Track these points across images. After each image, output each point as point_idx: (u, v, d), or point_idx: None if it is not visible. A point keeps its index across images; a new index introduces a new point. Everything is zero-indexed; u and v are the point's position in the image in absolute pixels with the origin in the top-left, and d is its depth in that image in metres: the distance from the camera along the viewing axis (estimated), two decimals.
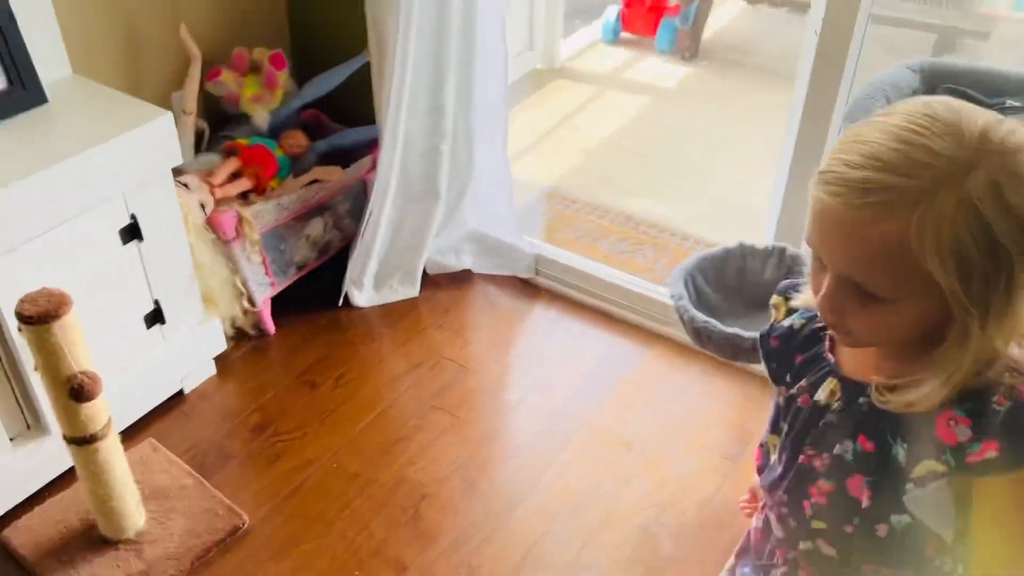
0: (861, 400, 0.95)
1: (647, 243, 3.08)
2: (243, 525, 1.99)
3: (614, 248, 3.02)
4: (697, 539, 1.97)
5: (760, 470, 1.11)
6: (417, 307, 2.68)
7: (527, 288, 2.76)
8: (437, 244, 2.72)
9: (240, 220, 2.36)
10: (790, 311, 1.08)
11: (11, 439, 1.98)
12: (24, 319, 1.59)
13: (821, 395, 0.99)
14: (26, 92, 1.96)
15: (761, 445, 1.12)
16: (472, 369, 2.46)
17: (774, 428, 1.09)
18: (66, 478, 2.10)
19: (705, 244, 3.01)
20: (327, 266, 2.70)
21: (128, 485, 1.88)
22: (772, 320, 1.11)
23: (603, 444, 2.22)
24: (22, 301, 1.61)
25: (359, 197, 2.72)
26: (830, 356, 1.00)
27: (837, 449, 0.96)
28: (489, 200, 2.69)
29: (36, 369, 1.67)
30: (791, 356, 1.06)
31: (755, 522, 1.17)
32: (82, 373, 1.65)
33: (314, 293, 2.68)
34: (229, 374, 2.43)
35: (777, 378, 1.08)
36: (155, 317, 2.18)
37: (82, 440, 1.75)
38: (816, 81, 2.04)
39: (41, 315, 1.58)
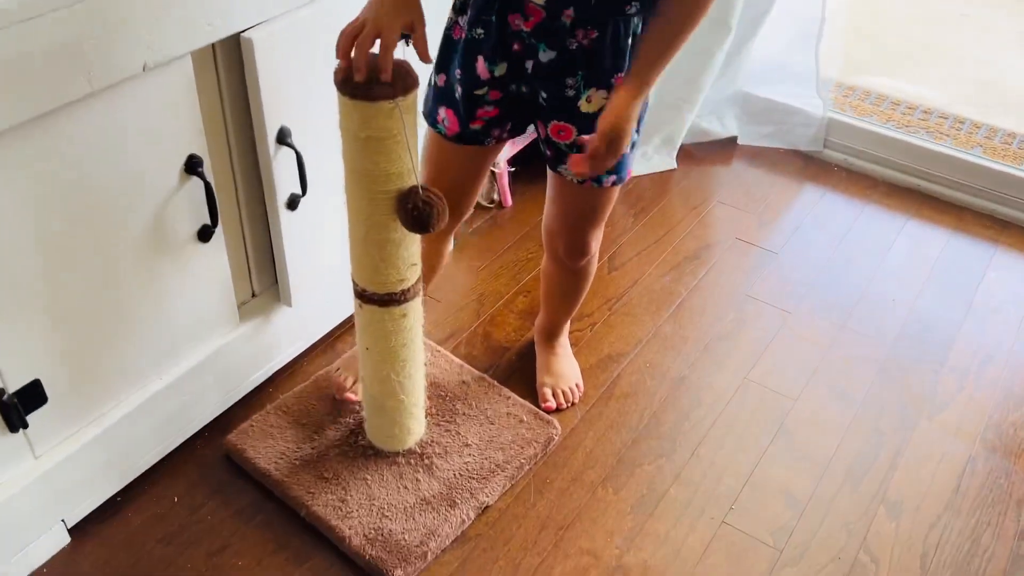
0: None
1: (916, 127, 2.49)
2: (556, 436, 1.44)
3: None
4: None
5: None
6: (675, 182, 2.10)
7: (812, 165, 2.18)
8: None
9: None
10: None
11: (240, 305, 1.41)
12: (348, 88, 1.00)
13: None
14: None
15: None
16: (779, 254, 1.89)
17: None
18: (296, 368, 1.54)
19: (989, 130, 2.42)
20: None
21: (421, 372, 1.32)
22: None
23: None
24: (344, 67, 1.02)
25: None
26: None
27: None
28: (783, 42, 2.09)
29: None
30: None
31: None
32: (425, 188, 1.08)
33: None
34: (469, 249, 1.86)
35: None
36: None
37: (389, 298, 1.18)
38: None
39: (381, 84, 1.00)
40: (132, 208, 1.14)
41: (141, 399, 1.28)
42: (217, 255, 1.30)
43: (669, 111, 2.08)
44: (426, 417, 1.41)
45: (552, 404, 1.48)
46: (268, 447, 1.37)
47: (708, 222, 1.98)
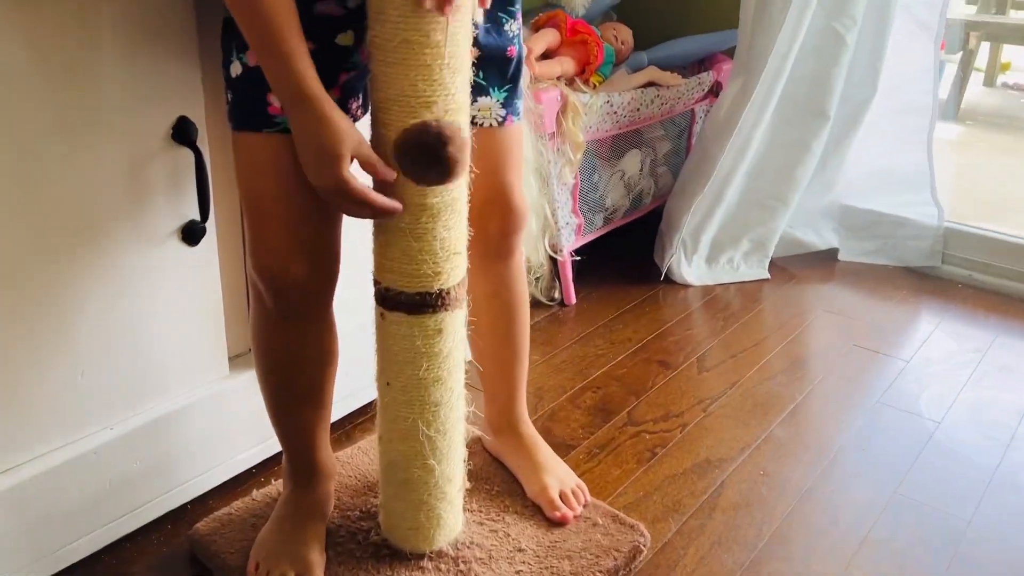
0: None
1: None
2: (644, 546, 1.03)
3: None
4: None
5: None
6: (767, 292, 1.78)
7: (929, 282, 1.86)
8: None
9: (565, 105, 1.55)
10: None
11: (231, 359, 1.09)
12: None
13: None
14: None
15: None
16: (910, 363, 1.53)
17: None
18: None
19: None
20: (622, 230, 1.87)
21: (460, 431, 0.96)
22: None
23: None
24: None
25: (682, 136, 1.92)
26: None
27: None
28: (886, 142, 1.84)
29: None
30: None
31: None
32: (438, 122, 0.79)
33: (609, 260, 1.84)
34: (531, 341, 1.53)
35: None
36: None
37: (421, 300, 0.85)
38: None
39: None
40: (94, 177, 0.87)
41: (80, 450, 0.93)
42: (206, 267, 1.00)
43: (759, 211, 1.80)
44: (465, 512, 1.03)
45: (569, 514, 1.06)
46: (246, 541, 0.99)
47: (815, 329, 1.64)
